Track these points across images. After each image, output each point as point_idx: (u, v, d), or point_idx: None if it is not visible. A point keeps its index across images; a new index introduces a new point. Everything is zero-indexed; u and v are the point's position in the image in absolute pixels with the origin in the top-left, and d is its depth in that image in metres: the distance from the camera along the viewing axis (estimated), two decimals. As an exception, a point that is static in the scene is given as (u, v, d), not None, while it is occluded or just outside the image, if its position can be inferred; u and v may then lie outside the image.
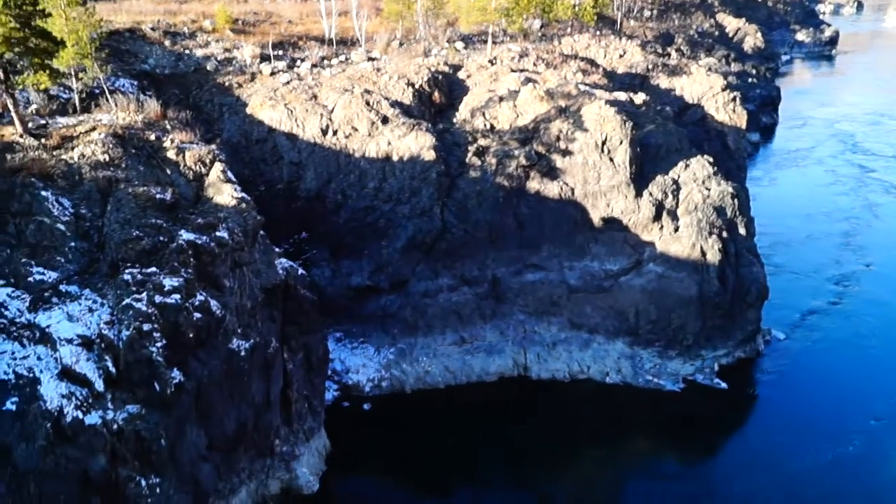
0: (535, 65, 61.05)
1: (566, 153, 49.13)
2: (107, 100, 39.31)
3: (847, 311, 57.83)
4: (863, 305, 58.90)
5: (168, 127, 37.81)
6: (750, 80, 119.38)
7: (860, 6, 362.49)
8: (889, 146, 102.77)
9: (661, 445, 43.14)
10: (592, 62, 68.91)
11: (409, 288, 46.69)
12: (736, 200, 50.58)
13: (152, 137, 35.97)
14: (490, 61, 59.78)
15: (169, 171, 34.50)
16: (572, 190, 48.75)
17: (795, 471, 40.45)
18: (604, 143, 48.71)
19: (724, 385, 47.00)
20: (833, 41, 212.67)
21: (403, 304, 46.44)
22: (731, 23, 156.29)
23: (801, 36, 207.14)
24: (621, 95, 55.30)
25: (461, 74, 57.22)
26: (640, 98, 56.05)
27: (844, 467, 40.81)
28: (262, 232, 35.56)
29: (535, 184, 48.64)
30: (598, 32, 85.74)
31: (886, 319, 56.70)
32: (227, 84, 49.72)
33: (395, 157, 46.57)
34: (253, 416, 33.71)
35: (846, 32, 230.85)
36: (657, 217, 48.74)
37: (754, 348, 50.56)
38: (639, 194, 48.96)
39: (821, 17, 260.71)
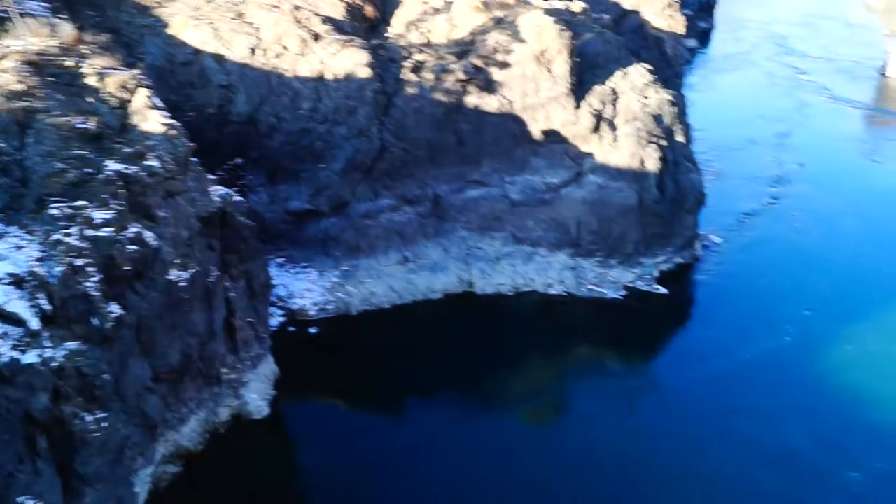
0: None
1: (504, 66, 48.39)
2: (14, 24, 37.18)
3: (781, 210, 59.49)
4: (796, 204, 60.62)
5: (86, 52, 35.94)
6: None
7: None
8: (821, 47, 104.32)
9: (605, 349, 44.36)
10: (528, -29, 67.19)
11: (350, 210, 46.16)
12: (674, 108, 50.80)
13: (70, 64, 34.22)
14: (422, -27, 57.91)
15: (90, 100, 32.98)
16: (511, 103, 48.25)
17: (735, 362, 42.00)
18: (542, 54, 48.03)
19: (664, 290, 48.05)
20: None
21: (345, 227, 45.98)
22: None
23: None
24: (559, 4, 54.38)
25: (395, -13, 55.43)
26: (577, 6, 55.19)
27: (782, 355, 42.47)
28: (194, 159, 34.55)
29: (473, 98, 47.98)
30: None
31: (818, 215, 58.64)
32: (145, 3, 47.41)
33: (328, 77, 45.36)
34: (197, 346, 33.39)
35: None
36: (596, 128, 48.64)
37: (692, 253, 51.55)
38: (578, 105, 48.69)
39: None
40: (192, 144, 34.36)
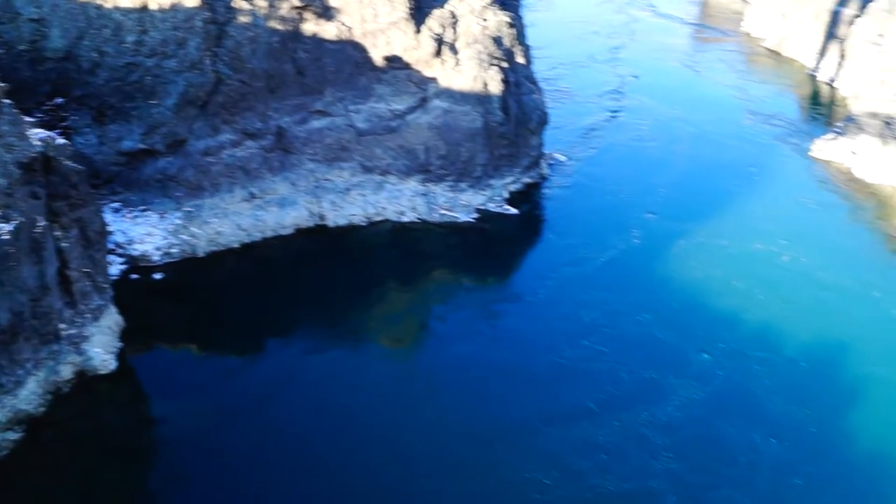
0: None
1: (340, -10, 45.83)
2: None
3: (621, 122, 61.25)
4: (633, 114, 62.53)
5: None
6: None
7: None
8: None
9: (460, 270, 44.01)
10: None
11: (188, 147, 42.83)
12: (513, 29, 49.95)
13: None
14: None
15: None
16: (350, 30, 45.94)
17: (589, 267, 43.20)
18: (378, -23, 45.75)
19: (514, 211, 47.93)
20: None
21: (184, 165, 42.68)
22: None
23: None
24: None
25: None
26: (410, -72, 52.73)
27: (631, 257, 44.34)
28: (6, 101, 30.65)
29: (311, 26, 45.32)
30: None
31: (654, 124, 60.86)
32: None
33: (153, 6, 41.38)
34: (28, 302, 30.21)
35: None
36: (438, 52, 47.20)
37: (539, 173, 51.58)
38: (418, 30, 46.98)
39: None
40: (3, 85, 30.52)
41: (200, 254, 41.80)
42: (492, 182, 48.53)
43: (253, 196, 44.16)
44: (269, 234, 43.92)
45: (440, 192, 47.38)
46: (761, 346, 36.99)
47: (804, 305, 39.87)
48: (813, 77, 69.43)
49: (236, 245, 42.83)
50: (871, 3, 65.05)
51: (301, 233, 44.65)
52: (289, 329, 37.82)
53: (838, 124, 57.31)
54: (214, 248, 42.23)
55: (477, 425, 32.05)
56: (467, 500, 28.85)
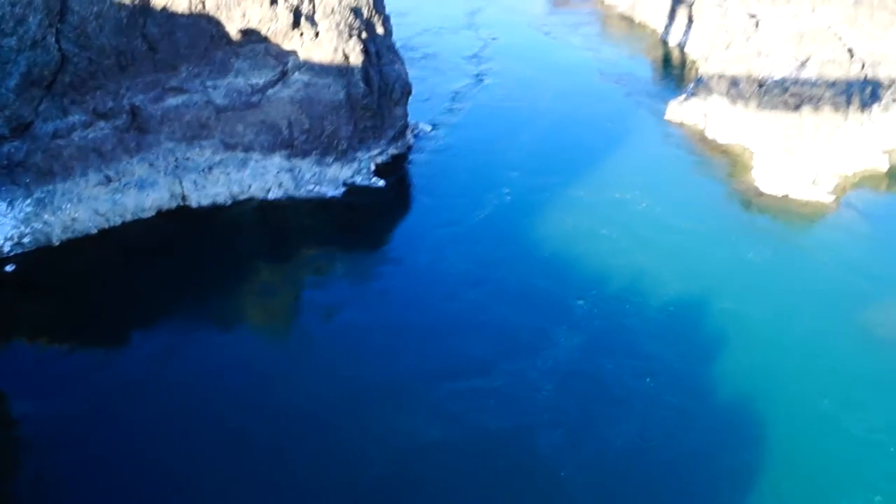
0: None
1: (190, -37, 44.52)
2: None
3: (483, 86, 62.76)
4: (495, 77, 64.36)
5: None
6: None
7: None
8: None
9: (331, 245, 44.11)
10: None
11: (35, 130, 40.92)
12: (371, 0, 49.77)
13: None
14: None
15: None
16: (203, 3, 44.91)
17: (464, 227, 44.58)
18: (228, -52, 44.68)
19: (381, 182, 48.31)
20: None
21: (32, 150, 40.75)
22: None
23: None
24: None
25: None
26: None
27: (505, 212, 46.07)
28: None
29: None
30: None
31: (517, 85, 62.94)
32: None
33: (-14, -19, 39.09)
34: None
35: None
36: (296, 24, 46.76)
37: (405, 143, 52.11)
38: (274, 2, 46.26)
39: None
40: None
41: (55, 242, 40.26)
42: (358, 155, 48.68)
43: (109, 179, 42.73)
44: (129, 217, 42.71)
45: (306, 167, 47.14)
46: (630, 289, 39.40)
47: (665, 250, 42.63)
48: (664, 41, 72.50)
49: (94, 231, 41.46)
50: (713, -31, 68.18)
51: (163, 215, 43.64)
52: (155, 316, 36.97)
53: (689, 86, 60.15)
54: (70, 236, 40.75)
55: (359, 384, 32.73)
56: (348, 457, 29.26)
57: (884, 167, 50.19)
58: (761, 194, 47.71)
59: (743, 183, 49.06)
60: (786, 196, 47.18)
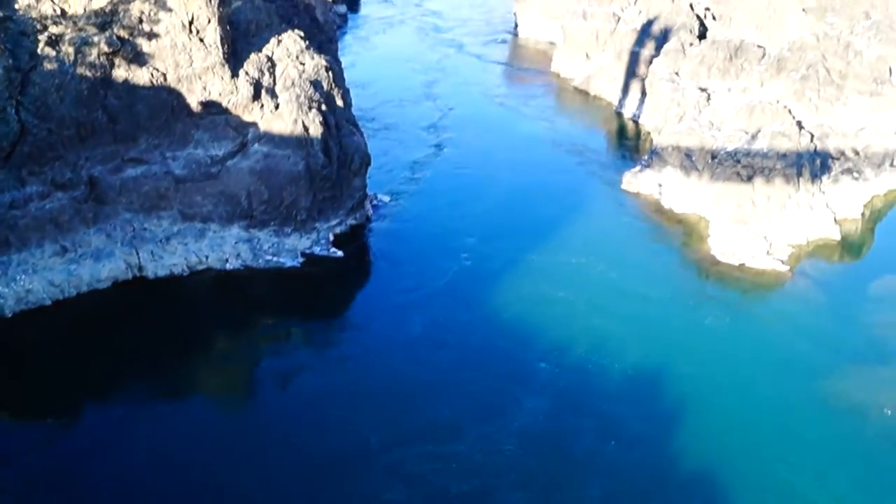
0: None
1: (152, 36, 45.62)
2: None
3: (441, 156, 64.34)
4: (453, 145, 66.14)
5: None
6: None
7: None
8: (452, 6, 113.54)
9: (288, 316, 44.38)
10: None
11: (-8, 201, 40.89)
12: (330, 73, 51.27)
13: None
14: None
15: None
16: (164, 75, 45.68)
17: (425, 292, 45.50)
18: (191, 23, 45.93)
19: (340, 253, 48.81)
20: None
21: (-13, 220, 40.66)
22: None
23: None
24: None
25: (15, -47, 49.63)
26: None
27: (462, 276, 47.27)
28: None
29: (122, 72, 44.78)
30: None
31: (474, 153, 64.74)
32: None
33: (-55, 53, 39.48)
34: None
35: None
36: (256, 96, 47.67)
37: (364, 214, 52.81)
38: (235, 74, 47.34)
39: None
40: None
41: (8, 314, 40.02)
42: (317, 225, 49.19)
43: (65, 250, 42.66)
44: (85, 289, 42.59)
45: (264, 237, 47.50)
46: (592, 352, 40.50)
47: (624, 314, 43.79)
48: (619, 113, 74.66)
49: (48, 302, 41.28)
50: (665, 45, 70.87)
51: (119, 286, 43.62)
52: (108, 388, 36.87)
53: (644, 158, 61.91)
54: (24, 307, 40.56)
55: (314, 452, 32.89)
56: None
57: (836, 237, 51.90)
58: (718, 263, 48.97)
59: (699, 252, 50.35)
60: (742, 265, 48.49)
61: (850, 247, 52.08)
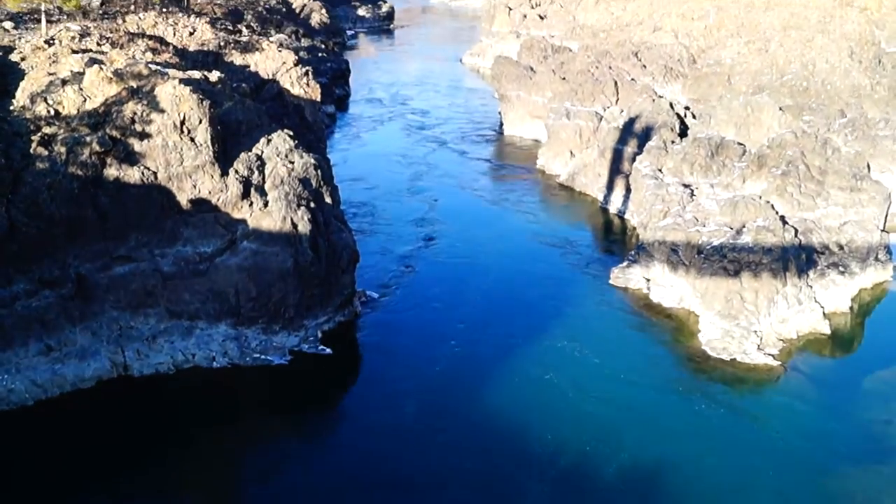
0: (99, 44, 57.00)
1: (144, 136, 46.69)
2: None
3: (428, 246, 65.40)
4: (440, 237, 67.47)
5: None
6: (320, 54, 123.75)
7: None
8: (438, 106, 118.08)
9: (274, 418, 43.71)
10: (162, 40, 65.94)
11: (-22, 299, 40.90)
12: (319, 171, 52.32)
13: None
14: (47, 42, 54.34)
15: None
16: (155, 174, 46.49)
17: (416, 381, 45.88)
18: (182, 123, 47.14)
19: (328, 350, 48.81)
20: (390, 16, 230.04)
21: (-28, 319, 40.57)
22: (296, 0, 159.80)
23: (362, 12, 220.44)
24: (195, 74, 53.68)
25: (14, 57, 51.74)
26: (214, 76, 54.83)
27: (454, 361, 48.02)
28: None
29: (113, 171, 45.55)
30: (164, 10, 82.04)
31: (461, 242, 66.32)
32: None
33: (-62, 153, 40.17)
34: None
35: (400, 8, 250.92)
36: (246, 194, 48.44)
37: (352, 311, 52.99)
38: (225, 173, 48.21)
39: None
40: None
41: (-11, 414, 39.33)
42: (305, 323, 49.31)
43: (50, 349, 42.47)
44: (69, 388, 42.28)
45: (252, 335, 47.53)
46: (587, 437, 40.68)
47: (617, 402, 44.12)
48: (604, 209, 76.12)
49: (31, 403, 40.92)
50: (648, 143, 72.94)
51: (104, 385, 43.31)
52: (90, 489, 36.18)
53: (631, 253, 62.81)
54: (5, 407, 40.13)
55: None
56: None
57: (826, 331, 52.39)
58: (708, 358, 49.24)
59: (689, 347, 50.68)
60: (733, 360, 48.74)
61: (841, 341, 52.53)
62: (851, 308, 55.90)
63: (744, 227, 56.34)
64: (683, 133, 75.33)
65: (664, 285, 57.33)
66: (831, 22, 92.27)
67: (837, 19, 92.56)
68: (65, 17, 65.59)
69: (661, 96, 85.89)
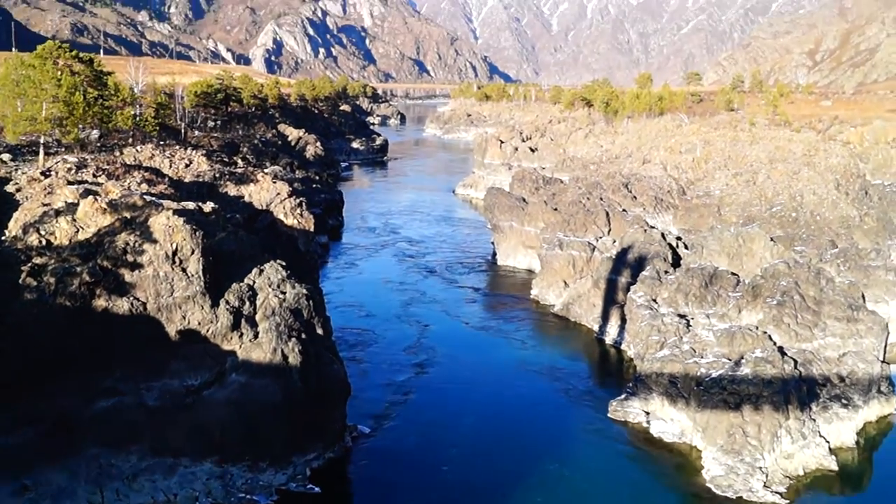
0: (95, 176, 57.48)
1: (135, 266, 46.29)
2: None
3: (422, 378, 64.16)
4: (432, 366, 66.51)
5: None
6: (314, 185, 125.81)
7: (403, 119, 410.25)
8: (430, 235, 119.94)
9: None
10: (158, 172, 66.72)
11: (-48, 436, 39.34)
12: (311, 302, 51.67)
13: None
14: (43, 173, 54.78)
15: None
16: (144, 305, 45.80)
17: None
18: (175, 253, 46.85)
19: (317, 489, 46.86)
20: (384, 148, 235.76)
21: (-55, 457, 38.89)
22: (292, 133, 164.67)
23: (356, 144, 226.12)
24: (190, 205, 53.94)
25: (9, 188, 51.94)
26: (208, 207, 55.07)
27: (449, 494, 47.39)
28: None
29: (102, 301, 44.86)
30: (161, 142, 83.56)
31: (453, 371, 65.37)
32: None
33: (-77, 285, 39.53)
34: None
35: (394, 141, 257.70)
36: (236, 325, 47.65)
37: (343, 446, 51.32)
38: (215, 304, 47.56)
39: (371, 127, 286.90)
40: None
41: (-45, 560, 37.11)
42: (293, 459, 47.61)
43: (26, 488, 40.59)
44: (42, 531, 39.93)
45: (238, 473, 45.72)
46: None
47: None
48: (600, 339, 75.31)
49: (0, 547, 38.53)
50: (642, 273, 72.91)
51: (79, 527, 40.92)
52: None
53: (629, 385, 61.60)
54: (-27, 553, 37.73)
55: None
56: None
57: (834, 467, 50.71)
58: (714, 496, 47.40)
59: (693, 484, 48.90)
60: (739, 498, 46.90)
61: (850, 478, 50.73)
62: (857, 443, 54.30)
63: (742, 358, 55.50)
64: (676, 263, 75.47)
65: (664, 419, 55.93)
66: (816, 155, 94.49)
67: (822, 153, 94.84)
68: (63, 149, 66.40)
69: (652, 227, 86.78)
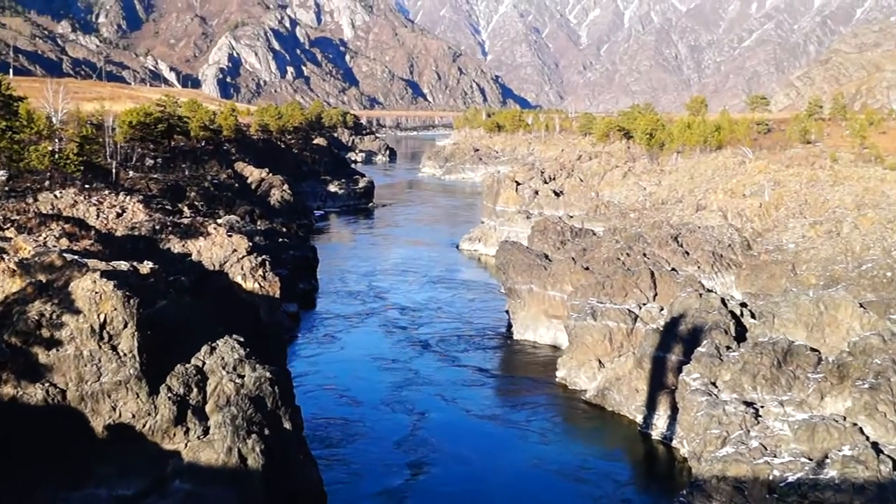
0: (1, 228, 57.95)
1: (52, 344, 46.58)
2: None
3: (417, 483, 63.99)
4: (430, 466, 66.52)
5: None
6: (281, 239, 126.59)
7: (393, 155, 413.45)
8: (427, 302, 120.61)
9: None
10: (82, 223, 67.49)
11: None
12: (276, 388, 51.85)
13: None
14: (-66, 225, 55.41)
15: None
16: (64, 393, 46.05)
17: None
18: (102, 327, 47.12)
19: None
20: (369, 193, 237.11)
21: None
22: (252, 173, 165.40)
23: (334, 188, 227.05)
24: (122, 265, 54.49)
25: None
26: (146, 267, 55.65)
27: None
28: None
29: (9, 389, 45.21)
30: (87, 186, 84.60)
31: (457, 475, 65.43)
32: None
33: None
34: None
35: (382, 183, 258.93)
36: (181, 419, 47.80)
37: (316, 574, 50.92)
38: (154, 391, 47.74)
39: (353, 166, 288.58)
40: None
41: None
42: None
43: None
44: None
45: None
46: None
47: None
48: (645, 434, 75.16)
49: None
50: (697, 349, 73.08)
51: None
52: None
53: (682, 492, 61.37)
54: None
55: None
56: None
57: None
58: None
59: None
60: None
61: None
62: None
63: (826, 457, 55.47)
64: (741, 336, 75.67)
65: (728, 536, 55.74)
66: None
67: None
68: (-38, 196, 67.29)
69: (709, 290, 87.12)
